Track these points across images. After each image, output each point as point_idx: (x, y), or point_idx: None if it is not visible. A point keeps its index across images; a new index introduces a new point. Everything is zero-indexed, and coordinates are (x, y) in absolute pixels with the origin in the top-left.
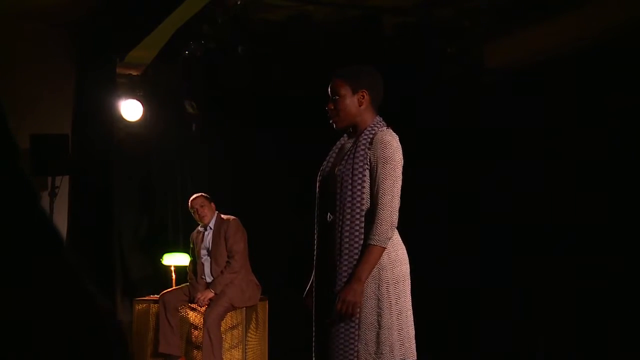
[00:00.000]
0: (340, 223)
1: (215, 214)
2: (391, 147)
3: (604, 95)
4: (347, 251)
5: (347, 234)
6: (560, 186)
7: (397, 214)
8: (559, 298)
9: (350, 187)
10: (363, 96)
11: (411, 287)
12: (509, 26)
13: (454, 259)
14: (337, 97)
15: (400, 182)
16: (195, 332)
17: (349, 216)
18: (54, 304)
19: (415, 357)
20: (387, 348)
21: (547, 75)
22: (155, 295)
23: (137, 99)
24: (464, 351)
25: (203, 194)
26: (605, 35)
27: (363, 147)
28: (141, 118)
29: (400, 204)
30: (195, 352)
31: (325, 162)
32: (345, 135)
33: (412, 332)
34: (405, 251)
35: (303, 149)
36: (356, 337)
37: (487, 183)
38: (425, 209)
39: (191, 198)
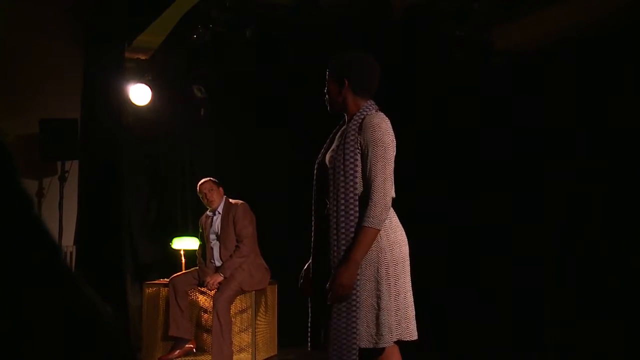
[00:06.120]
0: (336, 209)
1: (224, 199)
2: (380, 129)
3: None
4: (344, 236)
5: (342, 219)
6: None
7: (390, 196)
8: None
9: (342, 172)
10: (343, 84)
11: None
12: (518, 9)
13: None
14: (327, 84)
15: (392, 164)
16: (205, 316)
17: (343, 202)
18: (53, 306)
19: (416, 337)
20: (386, 329)
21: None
22: (165, 279)
23: (145, 84)
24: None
25: (211, 178)
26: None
27: (353, 133)
28: (149, 102)
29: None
30: (205, 335)
31: (322, 151)
32: (340, 122)
33: (412, 313)
34: (403, 233)
35: (312, 133)
36: (357, 319)
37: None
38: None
39: (199, 182)
